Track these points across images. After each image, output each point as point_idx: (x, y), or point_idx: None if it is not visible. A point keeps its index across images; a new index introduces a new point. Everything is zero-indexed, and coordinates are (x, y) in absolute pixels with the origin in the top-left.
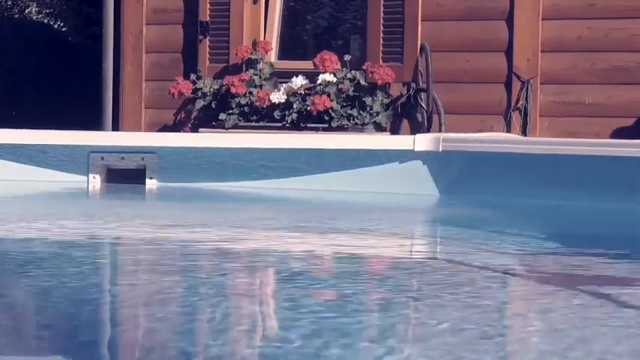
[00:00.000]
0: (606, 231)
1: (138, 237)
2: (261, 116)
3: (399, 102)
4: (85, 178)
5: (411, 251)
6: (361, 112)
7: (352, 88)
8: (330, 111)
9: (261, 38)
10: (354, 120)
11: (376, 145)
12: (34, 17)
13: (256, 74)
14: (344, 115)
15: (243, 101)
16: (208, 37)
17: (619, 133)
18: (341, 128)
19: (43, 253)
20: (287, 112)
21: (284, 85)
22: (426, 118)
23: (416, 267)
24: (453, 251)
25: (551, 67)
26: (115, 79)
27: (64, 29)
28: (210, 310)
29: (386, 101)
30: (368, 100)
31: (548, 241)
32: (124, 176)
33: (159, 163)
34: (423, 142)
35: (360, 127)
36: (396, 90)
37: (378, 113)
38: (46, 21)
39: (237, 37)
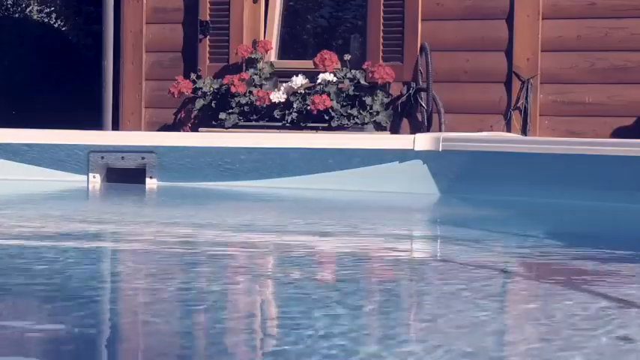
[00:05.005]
0: (606, 231)
1: (138, 236)
2: (261, 116)
3: (399, 101)
4: (84, 177)
5: (411, 250)
6: (361, 111)
7: (352, 88)
8: (330, 110)
9: (261, 38)
10: (354, 119)
11: (376, 145)
12: (35, 16)
13: (256, 74)
14: (344, 114)
15: (243, 101)
16: (208, 37)
17: (619, 133)
18: (341, 128)
19: (42, 253)
20: (287, 112)
21: (284, 84)
22: (426, 117)
23: (415, 266)
24: (453, 250)
25: (551, 66)
26: (114, 78)
27: (64, 28)
28: (211, 309)
29: (386, 101)
30: (368, 99)
31: (549, 240)
32: (124, 175)
33: (159, 163)
34: (423, 141)
35: (360, 127)
36: (396, 89)
37: (378, 113)
38: (46, 20)
39: (237, 36)
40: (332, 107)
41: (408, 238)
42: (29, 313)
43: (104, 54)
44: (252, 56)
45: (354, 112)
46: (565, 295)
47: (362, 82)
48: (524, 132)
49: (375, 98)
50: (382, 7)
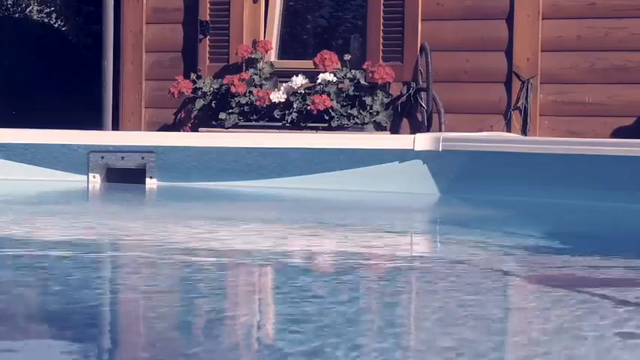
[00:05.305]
0: (606, 231)
1: (138, 237)
2: (261, 116)
3: (399, 101)
4: (84, 177)
5: (411, 250)
6: (361, 111)
7: (352, 88)
8: (330, 110)
9: (261, 38)
10: (354, 119)
11: (376, 145)
12: (35, 16)
13: (256, 74)
14: (344, 114)
15: (243, 101)
16: (208, 37)
17: (619, 133)
18: (341, 128)
19: (42, 253)
20: (287, 112)
21: (284, 84)
22: (426, 117)
23: (415, 266)
24: (453, 250)
25: (551, 66)
26: (114, 78)
27: (64, 28)
28: (211, 311)
29: (386, 101)
30: (368, 99)
31: (548, 240)
32: (124, 175)
33: (159, 163)
34: (423, 141)
35: (360, 127)
36: (396, 89)
37: (378, 113)
38: (46, 20)
39: (237, 36)
40: (332, 107)
41: (408, 239)
42: (27, 315)
43: (104, 54)
44: (252, 56)
45: (354, 112)
46: (565, 295)
47: (362, 82)
48: (524, 132)
49: (375, 98)
50: (382, 7)
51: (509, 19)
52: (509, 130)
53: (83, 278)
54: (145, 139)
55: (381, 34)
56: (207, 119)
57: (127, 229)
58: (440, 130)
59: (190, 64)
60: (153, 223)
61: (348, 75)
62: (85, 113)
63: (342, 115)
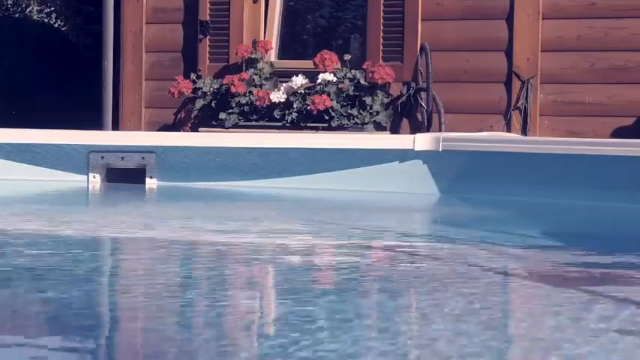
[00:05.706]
0: (606, 231)
1: (138, 236)
2: (261, 116)
3: (399, 101)
4: (84, 177)
5: (411, 251)
6: (361, 111)
7: (352, 88)
8: (330, 110)
9: (261, 38)
10: (354, 119)
11: (376, 145)
12: (35, 16)
13: (256, 74)
14: (344, 114)
15: (243, 101)
16: (208, 37)
17: (619, 133)
18: (341, 128)
19: (42, 253)
20: (287, 112)
21: (284, 84)
22: (426, 117)
23: (415, 266)
24: (453, 250)
25: (551, 66)
26: (114, 78)
27: (64, 28)
28: (213, 310)
29: (386, 101)
30: (368, 99)
31: (548, 240)
32: (124, 175)
33: (159, 163)
34: (423, 141)
35: (360, 127)
36: (396, 89)
37: (378, 113)
38: (46, 20)
39: (237, 36)
40: (332, 107)
41: (408, 239)
42: (27, 316)
43: (104, 54)
44: (252, 56)
45: (354, 112)
46: (565, 294)
47: (362, 82)
48: (524, 132)
49: (375, 98)
50: (382, 7)
51: (509, 19)
52: (509, 130)
53: (82, 277)
54: (145, 139)
55: (381, 34)
56: (207, 119)
57: (126, 229)
58: (440, 130)
59: (190, 64)
60: (152, 223)
61: (348, 75)
62: (85, 113)
63: (342, 115)
